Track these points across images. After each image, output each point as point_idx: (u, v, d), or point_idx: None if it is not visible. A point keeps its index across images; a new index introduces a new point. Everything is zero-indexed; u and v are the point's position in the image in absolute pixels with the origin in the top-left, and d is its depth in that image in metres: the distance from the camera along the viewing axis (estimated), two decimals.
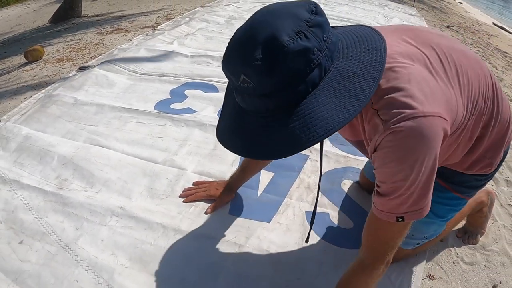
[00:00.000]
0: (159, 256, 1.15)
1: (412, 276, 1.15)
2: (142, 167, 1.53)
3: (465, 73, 0.80)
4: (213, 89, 2.19)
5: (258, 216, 1.31)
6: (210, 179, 1.48)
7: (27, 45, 3.33)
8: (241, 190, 1.40)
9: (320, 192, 1.43)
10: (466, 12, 7.35)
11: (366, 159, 1.51)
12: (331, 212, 1.35)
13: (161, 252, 1.17)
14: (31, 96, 2.21)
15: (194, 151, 1.65)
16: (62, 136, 1.73)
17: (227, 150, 0.74)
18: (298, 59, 0.60)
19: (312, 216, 1.05)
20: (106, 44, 3.20)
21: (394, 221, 0.77)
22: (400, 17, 4.50)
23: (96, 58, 2.78)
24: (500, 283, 1.19)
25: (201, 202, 1.37)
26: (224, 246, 1.19)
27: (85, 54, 2.99)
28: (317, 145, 0.78)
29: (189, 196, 1.38)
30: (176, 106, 2.01)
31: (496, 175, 1.72)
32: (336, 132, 0.65)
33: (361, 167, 1.52)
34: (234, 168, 1.50)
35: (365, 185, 1.45)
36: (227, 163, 1.57)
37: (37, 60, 2.98)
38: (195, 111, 1.96)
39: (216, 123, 0.80)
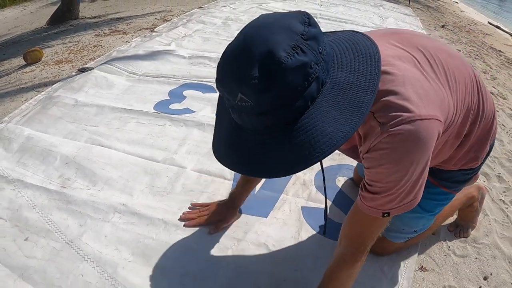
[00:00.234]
0: (161, 250, 1.19)
1: (405, 268, 1.19)
2: (143, 165, 1.57)
3: (452, 73, 0.83)
4: (211, 89, 2.23)
5: (255, 212, 1.35)
6: (210, 177, 1.52)
7: (25, 47, 3.34)
8: None
9: (315, 188, 1.47)
10: (461, 11, 7.38)
11: None
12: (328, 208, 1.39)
13: (163, 246, 1.20)
14: (31, 98, 2.23)
15: (193, 150, 1.69)
16: (63, 137, 1.76)
17: None
18: (296, 75, 0.58)
19: (325, 213, 1.06)
20: (105, 46, 3.23)
21: (380, 216, 0.80)
22: (395, 17, 4.53)
23: (95, 60, 2.80)
24: (491, 274, 1.23)
25: (201, 199, 1.40)
26: (224, 240, 1.23)
27: (84, 56, 3.02)
28: None
29: (190, 220, 1.28)
30: (175, 106, 2.05)
31: (488, 171, 1.76)
32: None
33: (355, 164, 1.56)
34: None
35: (359, 181, 1.48)
36: None
37: (36, 62, 3.00)
38: (193, 111, 2.00)
39: (214, 122, 0.81)
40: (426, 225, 1.17)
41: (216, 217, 1.27)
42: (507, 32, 6.05)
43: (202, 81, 2.34)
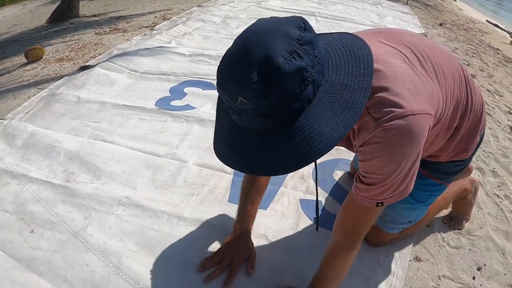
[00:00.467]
0: (164, 241, 1.23)
1: (400, 258, 1.23)
2: (145, 160, 1.61)
3: (440, 67, 0.87)
4: (211, 86, 2.27)
5: None
6: (211, 170, 1.55)
7: (26, 46, 3.36)
8: (240, 180, 1.45)
9: (313, 182, 1.51)
10: (460, 9, 7.40)
11: None
12: (324, 200, 1.43)
13: (166, 237, 1.24)
14: (34, 95, 2.26)
15: (195, 144, 1.73)
16: (67, 133, 1.79)
17: None
18: (293, 79, 0.61)
19: (316, 210, 1.09)
20: (105, 44, 3.25)
21: (374, 206, 0.84)
22: (393, 15, 4.56)
23: (96, 58, 2.83)
24: (485, 265, 1.26)
25: (202, 192, 1.44)
26: (225, 231, 1.26)
27: (85, 54, 3.05)
28: None
29: (211, 276, 1.12)
30: (176, 103, 2.08)
31: (482, 166, 1.80)
32: None
33: (351, 158, 1.60)
34: None
35: (355, 175, 1.51)
36: None
37: (38, 60, 3.02)
38: (194, 108, 2.03)
39: (214, 118, 0.84)
40: (420, 215, 1.21)
41: (242, 258, 1.16)
42: (505, 31, 6.08)
43: (202, 78, 2.38)
